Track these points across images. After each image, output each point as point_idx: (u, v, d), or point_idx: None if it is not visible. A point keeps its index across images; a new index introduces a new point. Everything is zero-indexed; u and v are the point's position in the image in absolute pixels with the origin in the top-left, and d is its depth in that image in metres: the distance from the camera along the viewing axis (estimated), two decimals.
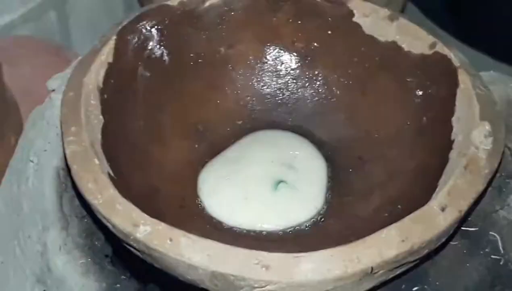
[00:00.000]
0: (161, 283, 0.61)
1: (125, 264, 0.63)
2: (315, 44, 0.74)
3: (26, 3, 1.35)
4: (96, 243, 0.64)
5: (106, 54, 0.64)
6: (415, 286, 0.59)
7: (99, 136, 0.59)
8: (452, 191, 0.53)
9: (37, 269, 0.64)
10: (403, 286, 0.59)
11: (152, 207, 0.60)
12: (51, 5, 1.41)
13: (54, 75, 0.75)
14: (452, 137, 0.61)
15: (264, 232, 0.64)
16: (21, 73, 1.05)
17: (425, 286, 0.59)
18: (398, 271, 0.53)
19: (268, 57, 0.75)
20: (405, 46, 0.69)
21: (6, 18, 1.31)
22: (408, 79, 0.68)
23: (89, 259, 0.63)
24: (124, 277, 0.62)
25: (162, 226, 0.51)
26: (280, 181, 0.67)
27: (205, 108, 0.73)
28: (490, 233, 0.62)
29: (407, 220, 0.51)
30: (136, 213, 0.52)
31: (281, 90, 0.75)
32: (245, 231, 0.64)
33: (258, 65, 0.75)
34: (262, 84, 0.75)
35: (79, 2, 1.46)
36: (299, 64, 0.75)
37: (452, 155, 0.59)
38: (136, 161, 0.64)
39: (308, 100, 0.74)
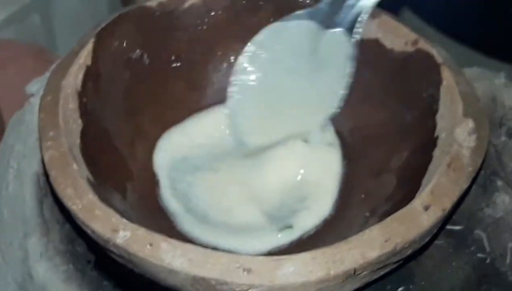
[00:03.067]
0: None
1: (108, 270, 0.62)
2: None
3: (8, 6, 1.34)
4: (78, 249, 0.63)
5: (84, 57, 0.64)
6: (400, 287, 0.59)
7: (78, 140, 0.59)
8: (436, 190, 0.53)
9: (19, 277, 0.64)
10: (388, 286, 0.59)
11: (135, 211, 0.60)
12: (34, 8, 1.40)
13: (34, 79, 0.74)
14: (436, 135, 0.60)
15: None
16: (4, 77, 1.05)
17: (411, 286, 0.59)
18: (382, 272, 0.53)
19: None
20: (387, 44, 0.68)
21: None
22: (391, 77, 0.68)
23: (71, 266, 0.62)
24: (107, 283, 0.62)
25: (141, 231, 0.50)
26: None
27: (186, 110, 0.73)
28: (476, 231, 0.62)
29: (389, 219, 0.50)
30: (115, 218, 0.51)
31: None
32: None
33: None
34: None
35: (63, 4, 1.46)
36: None
37: (436, 152, 0.58)
38: (117, 165, 0.63)
39: None
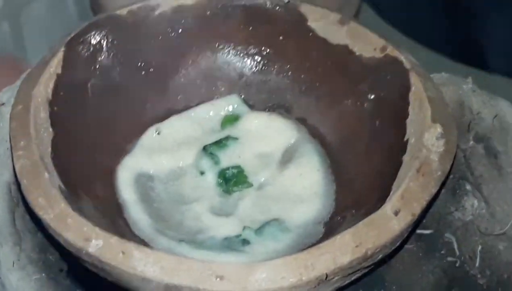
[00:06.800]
0: None
1: (81, 278, 0.62)
2: (268, 50, 0.74)
3: None
4: (51, 257, 0.63)
5: (55, 66, 0.64)
6: None
7: (49, 149, 0.59)
8: (405, 195, 0.53)
9: None
10: None
11: (106, 219, 0.59)
12: (3, 16, 1.39)
13: (5, 88, 0.74)
14: (405, 139, 0.61)
15: None
16: None
17: None
18: (354, 277, 0.53)
19: (220, 64, 0.75)
20: (356, 50, 0.69)
21: None
22: (360, 83, 0.68)
23: (44, 274, 0.62)
24: None
25: (114, 239, 0.50)
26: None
27: (158, 116, 0.73)
28: (445, 235, 0.62)
29: (360, 225, 0.51)
30: (87, 227, 0.51)
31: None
32: None
33: (210, 72, 0.75)
34: (214, 90, 0.75)
35: (33, 12, 1.45)
36: (251, 70, 0.75)
37: (405, 157, 0.59)
38: (88, 173, 0.63)
39: (262, 107, 0.74)
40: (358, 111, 0.68)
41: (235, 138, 0.71)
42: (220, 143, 0.70)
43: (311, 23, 0.71)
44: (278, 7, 0.73)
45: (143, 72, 0.72)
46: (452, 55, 1.31)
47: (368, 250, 0.50)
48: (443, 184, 0.57)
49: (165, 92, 0.74)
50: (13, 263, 0.62)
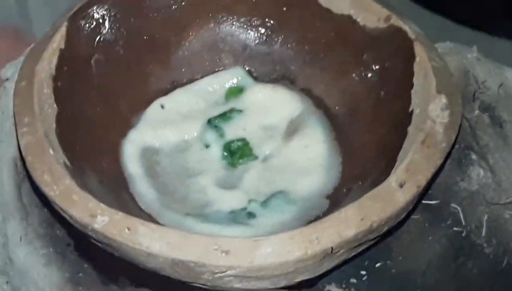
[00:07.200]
0: (126, 272, 0.61)
1: (88, 252, 0.62)
2: (271, 21, 0.74)
3: None
4: (58, 232, 0.63)
5: (57, 41, 0.63)
6: (378, 262, 0.60)
7: (53, 125, 0.59)
8: (410, 167, 0.53)
9: None
10: (366, 262, 0.59)
11: (111, 194, 0.60)
12: None
13: (9, 61, 0.74)
14: (410, 110, 0.61)
15: None
16: None
17: (388, 262, 0.60)
18: (359, 250, 0.53)
19: (223, 36, 0.75)
20: (360, 20, 0.68)
21: None
22: (364, 54, 0.68)
23: (51, 249, 0.62)
24: (87, 265, 0.62)
25: (119, 216, 0.50)
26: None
27: (162, 90, 0.73)
28: (451, 205, 0.62)
29: (365, 198, 0.51)
30: (93, 203, 0.51)
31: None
32: None
33: (214, 44, 0.75)
34: (218, 63, 0.75)
35: None
36: (255, 42, 0.75)
37: (410, 129, 0.59)
38: (93, 148, 0.63)
39: (266, 79, 0.74)
40: (362, 82, 0.68)
41: (240, 111, 0.71)
42: (224, 116, 0.70)
43: None
44: None
45: (146, 46, 0.72)
46: (461, 20, 1.30)
47: (373, 223, 0.50)
48: (448, 155, 0.56)
49: (169, 65, 0.73)
50: (21, 238, 0.63)
